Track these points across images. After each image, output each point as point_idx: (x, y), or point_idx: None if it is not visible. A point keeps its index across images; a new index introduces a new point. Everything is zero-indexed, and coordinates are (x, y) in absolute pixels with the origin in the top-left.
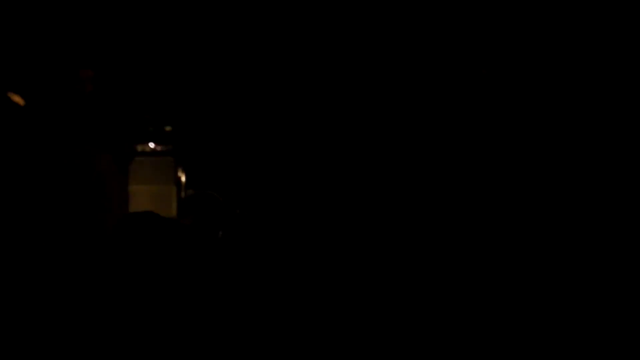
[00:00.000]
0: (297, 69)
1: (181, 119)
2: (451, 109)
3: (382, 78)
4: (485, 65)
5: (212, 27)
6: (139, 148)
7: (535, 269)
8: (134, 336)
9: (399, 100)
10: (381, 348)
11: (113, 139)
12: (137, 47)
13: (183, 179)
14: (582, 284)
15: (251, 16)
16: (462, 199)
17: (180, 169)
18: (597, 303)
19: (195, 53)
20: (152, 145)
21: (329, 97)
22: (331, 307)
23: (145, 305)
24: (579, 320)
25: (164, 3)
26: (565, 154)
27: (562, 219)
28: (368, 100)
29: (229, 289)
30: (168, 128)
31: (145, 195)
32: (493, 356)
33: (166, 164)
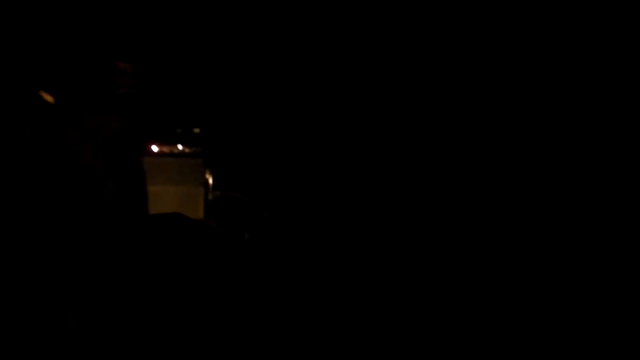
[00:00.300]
0: (329, 77)
1: (210, 121)
2: (455, 110)
3: (411, 89)
4: (486, 66)
5: (245, 33)
6: (168, 150)
7: (535, 268)
8: (156, 336)
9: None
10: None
11: (126, 135)
12: (169, 50)
13: (211, 181)
14: (582, 283)
15: (283, 25)
16: (468, 198)
17: (209, 171)
18: (597, 302)
19: (226, 57)
20: (180, 147)
21: (360, 106)
22: (356, 313)
23: (169, 305)
24: (579, 320)
25: (190, 12)
26: (565, 154)
27: (562, 218)
28: (398, 113)
29: (253, 291)
30: (197, 130)
31: (173, 197)
32: (493, 356)
33: (194, 165)
